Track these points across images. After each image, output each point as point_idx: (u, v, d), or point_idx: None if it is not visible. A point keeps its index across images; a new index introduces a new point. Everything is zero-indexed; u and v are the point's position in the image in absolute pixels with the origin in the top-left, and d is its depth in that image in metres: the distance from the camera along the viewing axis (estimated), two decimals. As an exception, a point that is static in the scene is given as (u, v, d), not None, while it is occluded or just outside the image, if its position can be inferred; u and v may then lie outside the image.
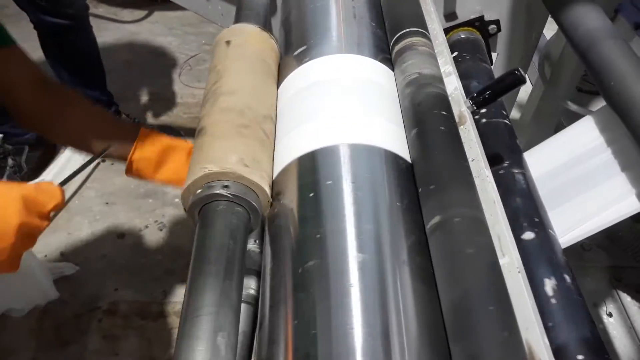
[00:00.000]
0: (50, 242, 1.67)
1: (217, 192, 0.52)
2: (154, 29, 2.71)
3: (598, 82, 0.81)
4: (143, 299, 1.52)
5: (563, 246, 0.70)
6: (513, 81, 0.63)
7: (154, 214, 1.77)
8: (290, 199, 0.55)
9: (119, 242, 1.69)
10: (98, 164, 1.92)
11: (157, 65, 2.46)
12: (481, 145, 0.60)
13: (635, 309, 1.50)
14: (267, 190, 0.56)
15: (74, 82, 1.89)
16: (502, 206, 0.53)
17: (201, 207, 0.53)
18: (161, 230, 1.72)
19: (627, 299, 1.52)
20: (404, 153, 0.59)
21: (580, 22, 0.90)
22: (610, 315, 1.48)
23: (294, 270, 0.49)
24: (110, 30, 2.67)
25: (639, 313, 1.49)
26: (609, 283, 1.55)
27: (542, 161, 0.86)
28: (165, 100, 2.23)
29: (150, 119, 2.15)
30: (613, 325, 1.46)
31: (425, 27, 0.76)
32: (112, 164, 1.94)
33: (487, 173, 0.56)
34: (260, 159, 0.58)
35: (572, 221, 0.76)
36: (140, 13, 2.84)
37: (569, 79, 1.35)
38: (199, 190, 0.53)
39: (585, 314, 0.56)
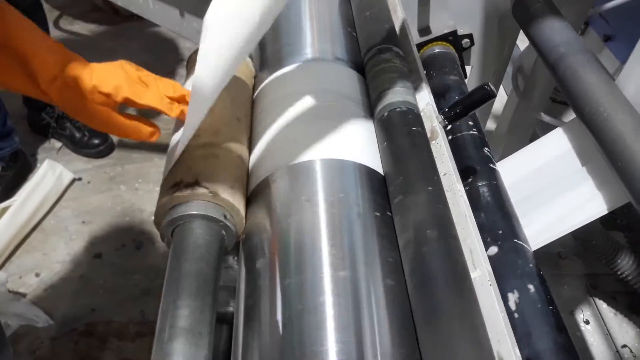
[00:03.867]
0: (24, 263, 1.64)
1: (191, 212, 0.52)
2: (130, 46, 2.69)
3: (567, 95, 0.83)
4: (121, 319, 1.50)
5: (534, 248, 0.72)
6: (483, 95, 0.64)
7: (131, 233, 1.75)
8: (265, 217, 0.55)
9: (96, 261, 1.66)
10: (73, 181, 1.90)
11: (133, 81, 2.44)
12: (453, 160, 0.61)
13: (611, 315, 1.52)
14: (242, 209, 0.55)
15: None
16: (473, 220, 0.53)
17: (175, 227, 0.53)
18: (138, 249, 1.70)
19: (603, 305, 1.54)
20: (379, 166, 0.60)
21: (549, 37, 0.92)
22: (587, 322, 1.49)
23: (269, 288, 0.49)
24: (87, 47, 2.65)
25: (615, 319, 1.51)
26: (586, 291, 1.57)
27: (514, 170, 0.88)
28: (143, 116, 2.22)
29: (127, 136, 2.13)
30: (590, 332, 1.48)
31: (397, 43, 0.77)
32: (89, 182, 1.92)
33: (459, 187, 0.56)
34: (235, 177, 0.58)
35: (543, 224, 0.78)
36: (117, 30, 2.83)
37: (542, 91, 1.37)
38: (172, 210, 0.53)
39: (552, 322, 0.57)
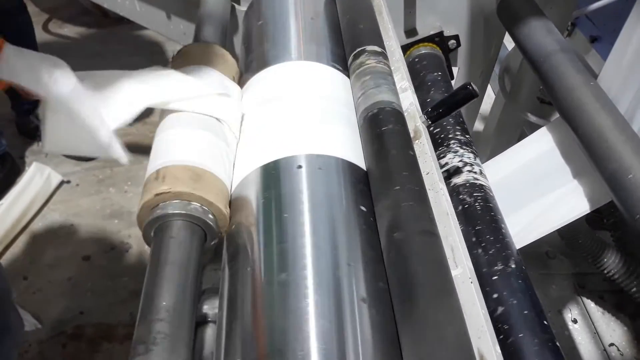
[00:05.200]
0: (12, 267, 1.63)
1: (172, 211, 0.52)
2: (120, 49, 2.69)
3: (550, 95, 0.84)
4: (109, 321, 1.49)
5: (519, 246, 0.72)
6: (465, 95, 0.65)
7: (119, 235, 1.74)
8: (248, 215, 0.55)
9: (84, 264, 1.66)
10: (61, 184, 1.89)
11: (123, 84, 2.43)
12: (436, 159, 0.61)
13: (598, 314, 1.53)
14: (224, 208, 0.55)
15: None
16: (455, 218, 0.53)
17: (156, 226, 0.53)
18: (127, 251, 1.69)
19: (590, 304, 1.55)
20: (362, 164, 0.60)
21: (533, 37, 0.92)
22: (575, 321, 1.50)
23: (252, 287, 0.49)
24: (76, 50, 2.63)
25: (603, 318, 1.52)
26: (574, 290, 1.58)
27: (500, 170, 0.89)
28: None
29: (116, 138, 2.12)
30: (578, 331, 1.49)
31: (382, 44, 0.77)
32: (78, 185, 1.91)
33: (441, 186, 0.57)
34: (218, 175, 0.58)
35: (527, 223, 0.79)
36: (106, 33, 2.82)
37: (528, 91, 1.38)
38: (154, 210, 0.53)
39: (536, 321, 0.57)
